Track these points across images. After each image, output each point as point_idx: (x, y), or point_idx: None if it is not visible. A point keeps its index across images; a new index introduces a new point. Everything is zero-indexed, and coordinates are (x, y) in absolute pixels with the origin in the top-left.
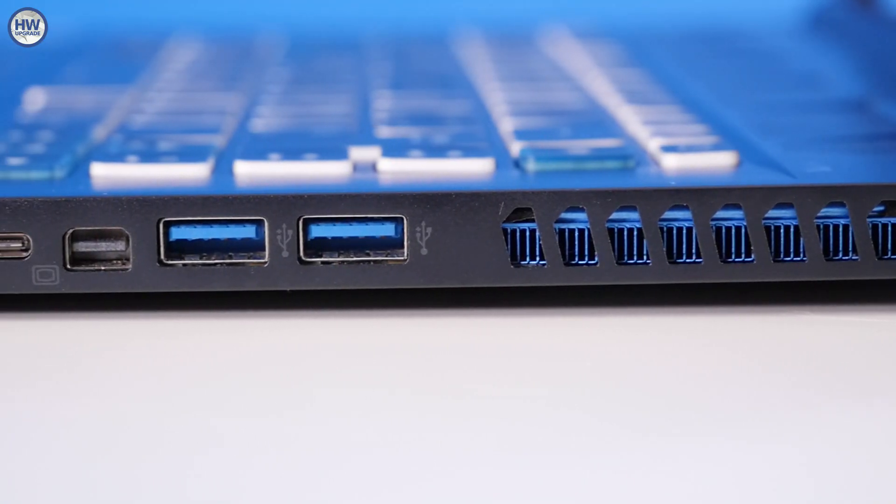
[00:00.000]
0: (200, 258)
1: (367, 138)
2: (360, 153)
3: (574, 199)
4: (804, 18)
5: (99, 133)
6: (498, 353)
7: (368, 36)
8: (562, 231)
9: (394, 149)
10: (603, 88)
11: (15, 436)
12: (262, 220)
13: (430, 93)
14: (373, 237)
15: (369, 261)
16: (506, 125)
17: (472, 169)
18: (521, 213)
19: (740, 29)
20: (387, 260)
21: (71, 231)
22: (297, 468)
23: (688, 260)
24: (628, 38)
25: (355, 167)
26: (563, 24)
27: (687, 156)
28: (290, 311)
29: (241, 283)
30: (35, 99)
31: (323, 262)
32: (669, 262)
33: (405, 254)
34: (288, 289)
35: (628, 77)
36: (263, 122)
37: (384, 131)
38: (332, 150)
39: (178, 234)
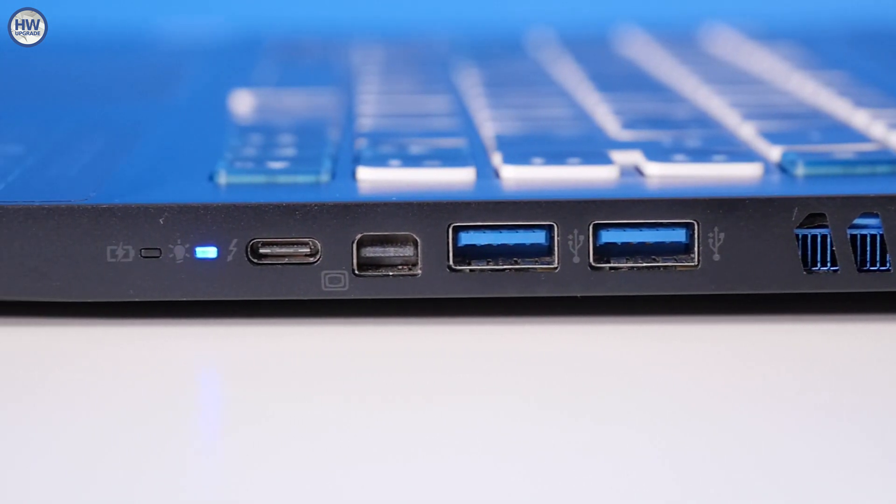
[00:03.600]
0: (487, 263)
1: (608, 141)
2: (621, 157)
3: (868, 205)
4: None
5: (332, 135)
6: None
7: (533, 37)
8: (852, 237)
9: (656, 153)
10: (812, 90)
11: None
12: (551, 226)
13: (641, 95)
14: (662, 243)
15: (659, 266)
16: (747, 129)
17: (740, 173)
18: (812, 219)
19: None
20: (677, 266)
21: (359, 236)
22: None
23: None
24: (801, 38)
25: (621, 171)
26: (726, 23)
27: None
28: (580, 317)
29: (532, 289)
30: (242, 101)
31: (611, 268)
32: None
33: (696, 259)
34: (579, 294)
35: (835, 79)
36: (497, 125)
37: (626, 134)
38: (594, 154)
39: (466, 239)
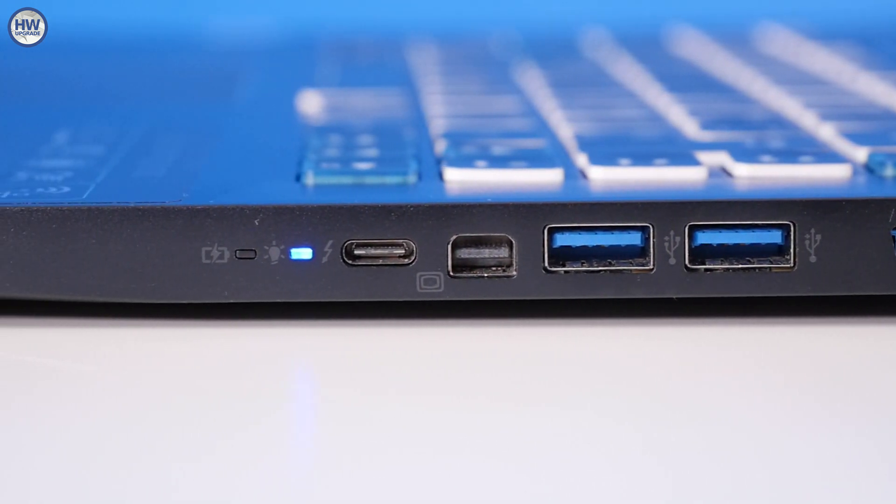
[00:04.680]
0: (582, 265)
1: (689, 142)
2: (706, 157)
3: None
4: None
5: (411, 136)
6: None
7: (587, 37)
8: None
9: (742, 154)
10: (883, 91)
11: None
12: (647, 227)
13: (713, 96)
14: (757, 244)
15: (754, 268)
16: (826, 130)
17: (830, 174)
18: None
19: None
20: (772, 267)
21: (454, 237)
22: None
23: None
24: (858, 38)
25: (709, 172)
26: (778, 23)
27: None
28: (676, 319)
29: (627, 291)
30: (311, 101)
31: (706, 270)
32: None
33: (792, 261)
34: (675, 296)
35: None
36: (575, 126)
37: (706, 135)
38: (680, 155)
39: (561, 240)
